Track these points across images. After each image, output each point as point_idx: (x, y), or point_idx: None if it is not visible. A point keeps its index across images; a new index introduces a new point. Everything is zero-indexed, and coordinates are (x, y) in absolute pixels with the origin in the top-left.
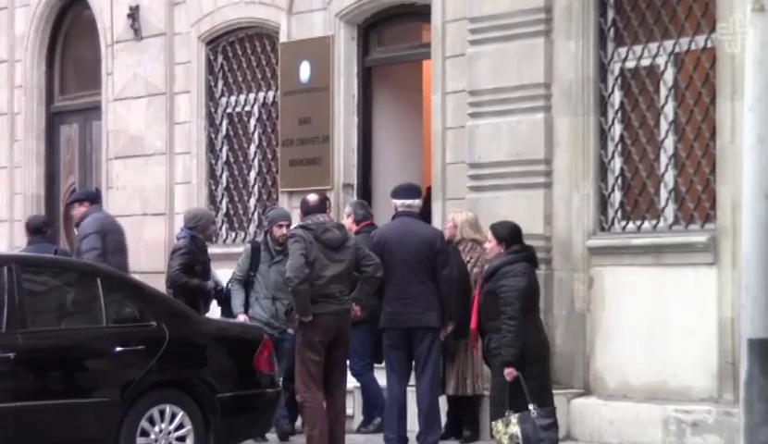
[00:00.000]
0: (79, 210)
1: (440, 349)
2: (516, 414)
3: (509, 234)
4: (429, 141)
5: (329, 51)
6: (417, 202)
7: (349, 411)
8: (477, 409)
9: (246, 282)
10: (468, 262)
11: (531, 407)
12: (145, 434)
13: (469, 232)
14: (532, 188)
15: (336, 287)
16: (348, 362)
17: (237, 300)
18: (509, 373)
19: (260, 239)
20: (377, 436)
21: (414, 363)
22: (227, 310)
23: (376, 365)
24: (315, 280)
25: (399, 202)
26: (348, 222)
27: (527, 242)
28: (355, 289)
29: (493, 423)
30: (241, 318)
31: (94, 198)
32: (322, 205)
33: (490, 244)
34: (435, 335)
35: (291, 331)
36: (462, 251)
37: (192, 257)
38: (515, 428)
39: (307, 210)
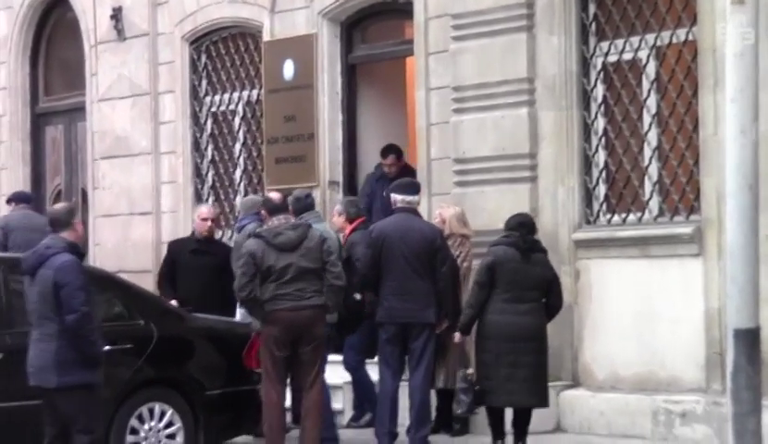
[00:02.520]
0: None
1: (435, 345)
2: (461, 373)
3: (513, 224)
4: (414, 137)
5: (313, 49)
6: (417, 198)
7: (338, 406)
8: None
9: None
10: (458, 257)
11: (461, 371)
12: (135, 432)
13: (457, 227)
14: (517, 182)
15: (292, 286)
16: (343, 356)
17: None
18: (456, 336)
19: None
20: (367, 430)
21: (407, 358)
22: None
23: (368, 361)
24: (272, 282)
25: (399, 197)
26: (340, 221)
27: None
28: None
29: None
30: None
31: (18, 199)
32: (284, 204)
33: None
34: (431, 331)
35: None
36: (451, 246)
37: None
38: (456, 385)
39: (271, 209)
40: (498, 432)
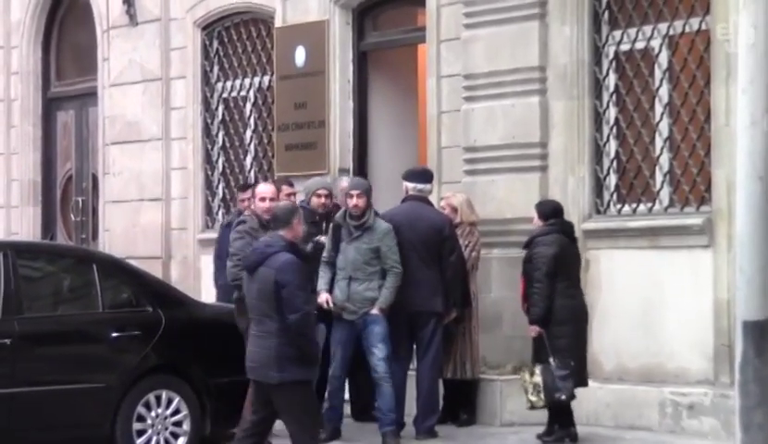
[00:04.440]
0: None
1: (442, 334)
2: (540, 366)
3: (549, 210)
4: (425, 125)
5: (324, 35)
6: (429, 187)
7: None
8: (475, 393)
9: (333, 263)
10: (466, 246)
11: (551, 360)
12: (142, 419)
13: (468, 213)
14: (527, 171)
15: None
16: None
17: (321, 280)
18: (532, 329)
19: (339, 215)
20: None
21: (415, 348)
22: None
23: None
24: None
25: (411, 185)
26: (329, 202)
27: (525, 226)
28: None
29: (521, 372)
30: (323, 298)
31: None
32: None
33: (535, 219)
34: (439, 320)
35: (375, 312)
36: (460, 235)
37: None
38: (538, 379)
39: None
40: (570, 421)
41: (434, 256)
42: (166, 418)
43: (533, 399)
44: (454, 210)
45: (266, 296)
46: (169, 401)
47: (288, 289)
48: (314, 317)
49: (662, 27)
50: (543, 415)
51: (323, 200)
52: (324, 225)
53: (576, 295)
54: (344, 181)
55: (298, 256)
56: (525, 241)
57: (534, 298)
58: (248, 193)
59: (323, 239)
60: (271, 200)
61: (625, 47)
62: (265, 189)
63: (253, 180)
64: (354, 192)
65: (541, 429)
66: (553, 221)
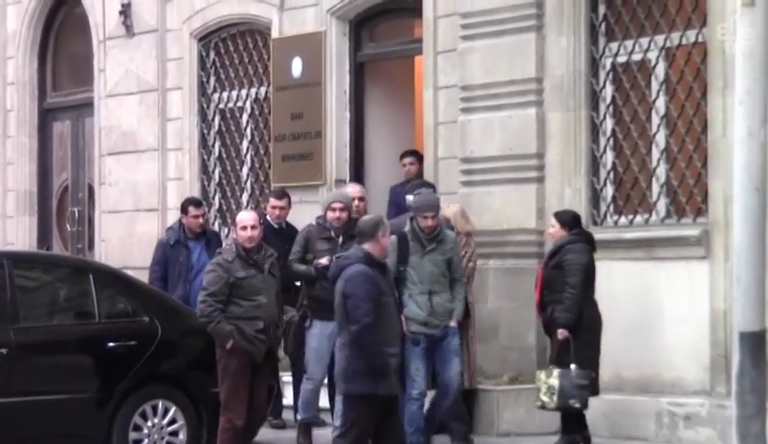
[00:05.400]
0: None
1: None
2: (558, 370)
3: (571, 219)
4: (421, 137)
5: (321, 47)
6: None
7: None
8: (472, 403)
9: (397, 278)
10: (463, 256)
11: (573, 366)
12: (138, 429)
13: (462, 223)
14: (524, 182)
15: None
16: None
17: None
18: (561, 333)
19: (407, 228)
20: None
21: None
22: None
23: None
24: None
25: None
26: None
27: (521, 237)
28: None
29: (537, 372)
30: None
31: None
32: None
33: (554, 229)
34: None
35: (453, 324)
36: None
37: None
38: (555, 381)
39: None
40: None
41: None
42: (162, 428)
43: (545, 399)
44: (448, 221)
45: (338, 307)
46: (166, 411)
47: (352, 299)
48: (380, 330)
49: (659, 38)
50: (542, 425)
51: (337, 214)
52: (341, 240)
53: (595, 304)
54: (348, 188)
55: (375, 268)
56: (551, 249)
57: (567, 303)
58: (201, 210)
59: (324, 261)
60: (253, 228)
61: (621, 59)
62: (246, 217)
63: (251, 196)
64: (429, 215)
65: (538, 439)
66: (577, 230)
